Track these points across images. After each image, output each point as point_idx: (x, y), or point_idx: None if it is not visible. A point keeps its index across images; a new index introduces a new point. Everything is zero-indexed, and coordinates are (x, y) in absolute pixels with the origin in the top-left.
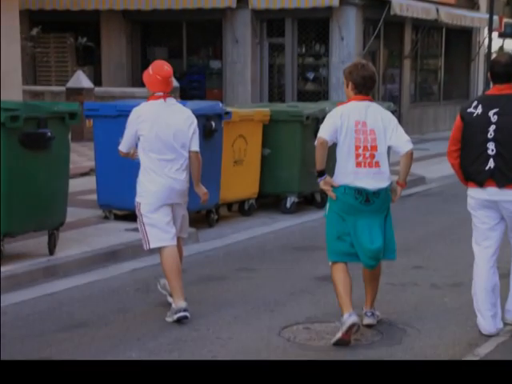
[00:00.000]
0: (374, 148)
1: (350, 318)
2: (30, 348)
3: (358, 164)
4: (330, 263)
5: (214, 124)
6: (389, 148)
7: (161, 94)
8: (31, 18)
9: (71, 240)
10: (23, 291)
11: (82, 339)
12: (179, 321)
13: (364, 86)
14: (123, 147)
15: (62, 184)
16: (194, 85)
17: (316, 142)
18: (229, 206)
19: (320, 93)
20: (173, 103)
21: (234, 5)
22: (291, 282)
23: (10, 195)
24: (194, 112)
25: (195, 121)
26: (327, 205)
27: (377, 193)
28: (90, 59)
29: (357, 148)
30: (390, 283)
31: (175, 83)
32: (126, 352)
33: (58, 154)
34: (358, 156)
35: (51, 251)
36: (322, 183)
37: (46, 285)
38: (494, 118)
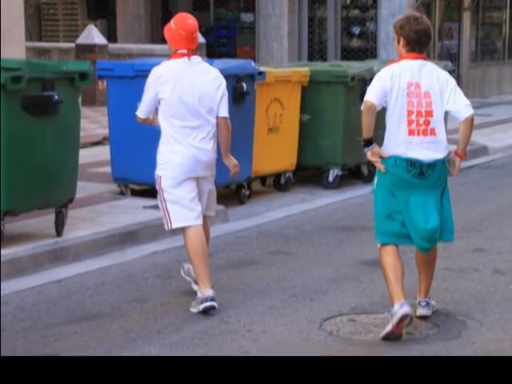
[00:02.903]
0: (429, 113)
1: (401, 309)
2: (35, 342)
3: (411, 132)
4: (379, 245)
5: (245, 86)
6: (446, 113)
7: (184, 51)
8: None
9: (81, 219)
10: (27, 277)
11: (93, 333)
12: (205, 312)
13: (417, 43)
14: (141, 112)
15: (71, 155)
16: (222, 41)
17: (362, 107)
18: (262, 179)
19: (367, 50)
20: (198, 62)
21: None
22: (334, 267)
23: (12, 168)
24: (223, 72)
25: (224, 82)
26: (375, 179)
27: (432, 165)
28: (103, 12)
29: (409, 113)
30: (447, 268)
31: (201, 39)
32: (144, 347)
33: (66, 121)
34: (410, 122)
35: (59, 232)
36: (370, 154)
37: (53, 270)
38: None
